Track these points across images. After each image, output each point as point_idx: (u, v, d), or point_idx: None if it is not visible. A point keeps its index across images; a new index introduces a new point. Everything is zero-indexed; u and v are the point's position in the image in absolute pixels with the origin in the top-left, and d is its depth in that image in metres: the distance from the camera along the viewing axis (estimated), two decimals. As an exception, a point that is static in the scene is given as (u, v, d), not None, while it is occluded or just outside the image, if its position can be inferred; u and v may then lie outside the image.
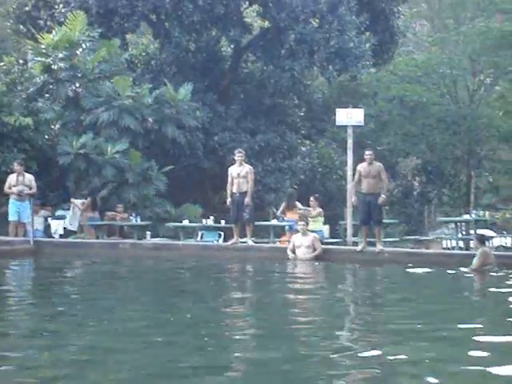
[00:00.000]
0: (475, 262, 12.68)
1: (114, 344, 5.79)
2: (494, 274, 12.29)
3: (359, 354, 5.37)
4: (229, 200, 15.60)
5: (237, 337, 6.28)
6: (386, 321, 7.37)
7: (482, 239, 13.61)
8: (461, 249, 19.24)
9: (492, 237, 21.71)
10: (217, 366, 5.07)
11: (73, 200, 19.64)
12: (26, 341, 6.05)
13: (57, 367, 5.02)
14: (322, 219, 17.71)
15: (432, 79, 28.40)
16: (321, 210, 17.67)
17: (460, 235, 20.70)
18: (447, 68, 27.84)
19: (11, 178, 17.05)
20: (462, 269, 12.66)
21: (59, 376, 4.76)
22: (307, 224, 15.30)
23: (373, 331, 6.68)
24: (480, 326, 6.84)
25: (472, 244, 15.60)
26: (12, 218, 16.81)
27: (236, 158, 15.64)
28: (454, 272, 12.47)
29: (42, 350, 5.61)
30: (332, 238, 19.55)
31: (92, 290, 10.11)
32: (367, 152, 14.92)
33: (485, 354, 5.36)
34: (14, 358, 5.36)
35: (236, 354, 5.51)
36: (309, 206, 17.81)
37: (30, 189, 16.92)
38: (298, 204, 18.16)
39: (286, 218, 18.28)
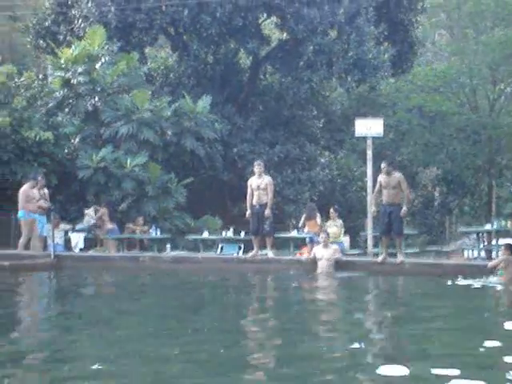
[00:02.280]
0: (504, 272, 12.55)
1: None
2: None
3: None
4: (248, 212, 15.55)
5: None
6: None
7: (510, 247, 13.41)
8: (482, 259, 19.06)
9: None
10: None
11: (86, 211, 19.62)
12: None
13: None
14: (342, 230, 17.66)
15: (451, 89, 28.25)
16: (341, 221, 17.61)
17: (482, 245, 20.52)
18: (467, 77, 27.67)
19: (33, 192, 17.06)
20: (491, 279, 12.53)
21: None
22: (328, 236, 15.22)
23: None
24: None
25: (500, 253, 15.42)
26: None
27: (255, 169, 15.58)
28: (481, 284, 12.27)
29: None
30: (352, 248, 19.44)
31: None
32: (383, 164, 14.83)
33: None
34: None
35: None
36: (329, 217, 17.76)
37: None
38: (318, 216, 18.09)
39: (305, 231, 18.21)
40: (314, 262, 14.61)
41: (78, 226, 19.79)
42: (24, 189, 17.05)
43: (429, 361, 5.80)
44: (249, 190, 15.51)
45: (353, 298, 11.17)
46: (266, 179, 15.56)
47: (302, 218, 18.52)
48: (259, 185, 15.39)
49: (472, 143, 28.18)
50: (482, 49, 27.52)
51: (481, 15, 28.89)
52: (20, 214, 17.00)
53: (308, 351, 6.28)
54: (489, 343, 6.40)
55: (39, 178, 17.37)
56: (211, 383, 5.22)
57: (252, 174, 16.02)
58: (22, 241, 16.72)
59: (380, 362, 5.77)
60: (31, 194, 17.00)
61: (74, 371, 5.55)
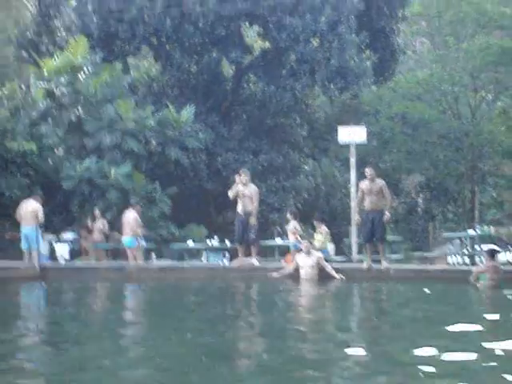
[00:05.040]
0: (485, 276, 12.70)
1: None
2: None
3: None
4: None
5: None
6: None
7: (492, 253, 13.59)
8: (466, 264, 19.17)
9: (498, 251, 21.58)
10: None
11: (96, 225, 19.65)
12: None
13: None
14: (328, 238, 17.79)
15: (433, 96, 28.43)
16: (326, 229, 17.72)
17: (465, 251, 20.64)
18: (448, 85, 27.87)
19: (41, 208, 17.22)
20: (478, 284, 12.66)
21: None
22: (311, 243, 15.29)
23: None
24: None
25: (482, 258, 15.56)
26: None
27: (241, 178, 15.62)
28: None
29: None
30: (337, 255, 19.54)
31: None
32: (367, 169, 14.96)
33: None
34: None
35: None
36: (313, 226, 17.92)
37: None
38: (296, 225, 18.12)
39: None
40: (296, 269, 14.65)
41: (65, 236, 19.80)
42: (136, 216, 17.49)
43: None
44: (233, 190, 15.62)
45: (337, 304, 11.22)
46: (252, 188, 15.63)
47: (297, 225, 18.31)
48: (244, 193, 15.46)
49: (454, 150, 28.36)
50: (463, 56, 27.75)
51: (461, 23, 29.12)
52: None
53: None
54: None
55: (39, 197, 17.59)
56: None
57: (233, 181, 16.07)
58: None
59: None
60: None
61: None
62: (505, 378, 5.21)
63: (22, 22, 27.65)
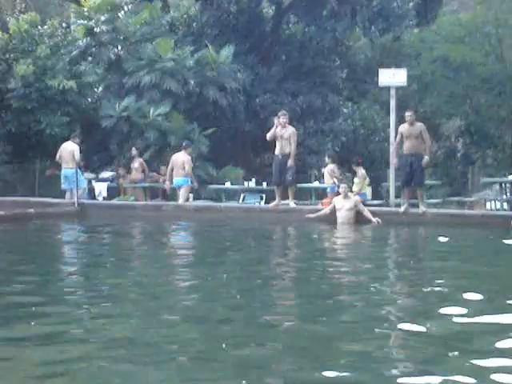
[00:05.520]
0: None
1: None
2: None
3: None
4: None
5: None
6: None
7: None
8: (505, 210, 19.03)
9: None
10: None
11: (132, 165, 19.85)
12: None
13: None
14: (367, 181, 17.75)
15: (477, 39, 27.91)
16: (365, 173, 17.65)
17: (504, 197, 20.46)
18: (493, 27, 27.32)
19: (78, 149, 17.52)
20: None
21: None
22: (349, 187, 15.27)
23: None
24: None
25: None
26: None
27: (280, 120, 15.55)
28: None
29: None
30: (374, 199, 19.50)
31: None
32: (407, 113, 14.82)
33: None
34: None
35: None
36: (352, 169, 17.91)
37: None
38: (334, 168, 18.02)
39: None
40: (332, 212, 14.65)
41: (102, 175, 19.99)
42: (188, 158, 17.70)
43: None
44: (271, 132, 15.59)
45: (371, 250, 11.22)
46: (290, 130, 15.58)
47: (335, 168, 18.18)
48: (283, 135, 15.42)
49: (497, 94, 27.91)
50: (508, -3, 27.12)
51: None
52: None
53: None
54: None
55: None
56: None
57: (271, 125, 16.01)
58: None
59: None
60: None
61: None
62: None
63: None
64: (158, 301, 6.12)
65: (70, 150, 17.55)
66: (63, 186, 17.69)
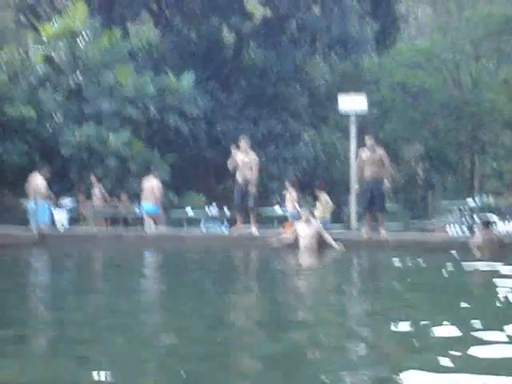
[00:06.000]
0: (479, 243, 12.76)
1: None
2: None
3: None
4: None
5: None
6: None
7: (486, 223, 13.66)
8: (466, 236, 19.13)
9: (494, 222, 21.57)
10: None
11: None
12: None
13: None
14: (330, 207, 17.78)
15: (434, 64, 28.29)
16: (327, 198, 17.67)
17: (464, 221, 20.60)
18: (450, 53, 27.74)
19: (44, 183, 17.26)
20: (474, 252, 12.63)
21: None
22: (310, 212, 15.25)
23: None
24: None
25: (476, 228, 15.55)
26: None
27: (241, 145, 15.48)
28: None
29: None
30: (335, 222, 19.50)
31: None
32: (367, 138, 14.84)
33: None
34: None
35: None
36: (314, 195, 17.93)
37: None
38: (295, 194, 18.03)
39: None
40: (296, 238, 14.58)
41: (63, 203, 19.75)
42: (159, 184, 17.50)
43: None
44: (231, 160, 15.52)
45: (337, 272, 11.22)
46: (251, 156, 15.53)
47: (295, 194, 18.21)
48: (244, 160, 15.36)
49: (455, 119, 28.31)
50: (465, 24, 27.57)
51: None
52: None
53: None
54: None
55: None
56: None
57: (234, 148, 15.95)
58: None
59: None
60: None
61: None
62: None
63: (20, -14, 27.33)
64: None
65: (35, 183, 17.24)
66: (29, 217, 17.39)
